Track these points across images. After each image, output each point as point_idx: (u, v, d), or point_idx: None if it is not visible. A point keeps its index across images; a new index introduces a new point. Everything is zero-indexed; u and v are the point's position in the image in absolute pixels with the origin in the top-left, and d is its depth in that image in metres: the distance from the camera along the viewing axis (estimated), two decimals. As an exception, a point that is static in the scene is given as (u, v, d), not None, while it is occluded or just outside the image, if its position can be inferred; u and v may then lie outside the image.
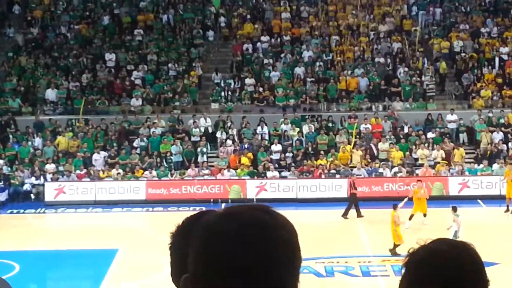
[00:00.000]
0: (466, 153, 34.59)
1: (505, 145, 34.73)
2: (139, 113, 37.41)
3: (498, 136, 35.06)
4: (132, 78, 39.38)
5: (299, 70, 39.36)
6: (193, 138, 35.68)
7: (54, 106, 37.96)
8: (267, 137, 35.87)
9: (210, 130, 36.45)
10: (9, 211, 31.23)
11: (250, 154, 34.29)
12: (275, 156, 34.58)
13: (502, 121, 36.07)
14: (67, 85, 38.93)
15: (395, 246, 22.44)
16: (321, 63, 39.92)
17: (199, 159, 34.57)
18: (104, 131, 36.31)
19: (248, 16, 43.80)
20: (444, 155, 33.80)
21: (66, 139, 35.50)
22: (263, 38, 41.92)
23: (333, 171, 33.32)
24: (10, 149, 35.03)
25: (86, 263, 23.58)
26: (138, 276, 21.30)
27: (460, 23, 42.59)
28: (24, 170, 33.47)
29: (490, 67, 39.48)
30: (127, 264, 22.74)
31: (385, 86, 38.50)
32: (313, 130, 35.72)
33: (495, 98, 37.87)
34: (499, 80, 38.73)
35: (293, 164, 33.82)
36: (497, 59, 39.79)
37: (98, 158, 34.31)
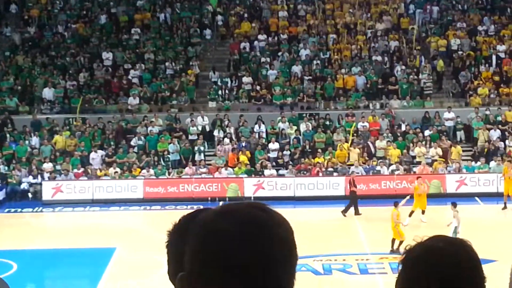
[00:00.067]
0: (463, 151, 34.61)
1: (502, 143, 34.77)
2: (137, 111, 37.40)
3: (495, 133, 35.10)
4: (129, 77, 39.36)
5: (297, 69, 39.36)
6: (190, 137, 35.68)
7: (51, 105, 37.93)
8: (264, 135, 35.88)
9: (207, 129, 36.46)
10: (7, 210, 31.21)
11: (247, 153, 34.30)
12: (273, 155, 34.59)
13: (499, 118, 36.13)
14: (64, 84, 38.90)
15: (400, 243, 22.34)
16: (318, 62, 39.93)
17: (197, 157, 34.58)
18: (102, 130, 36.30)
19: (245, 15, 43.78)
20: (441, 153, 33.83)
21: (63, 138, 35.48)
22: (260, 37, 41.92)
23: (330, 169, 33.34)
24: (7, 148, 35.02)
25: (83, 262, 23.55)
26: (135, 275, 21.30)
27: (457, 21, 42.61)
28: (21, 169, 33.45)
29: (487, 65, 39.51)
30: (125, 262, 22.73)
31: (382, 85, 38.52)
32: (310, 128, 35.72)
33: (492, 96, 37.91)
34: (496, 78, 38.77)
35: (290, 162, 33.85)
36: (494, 57, 39.82)
37: (96, 157, 34.30)
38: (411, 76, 38.55)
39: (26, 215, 30.91)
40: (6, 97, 37.88)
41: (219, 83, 39.11)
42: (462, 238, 2.02)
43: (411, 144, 34.62)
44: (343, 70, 39.27)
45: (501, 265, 19.96)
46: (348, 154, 34.18)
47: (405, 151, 34.28)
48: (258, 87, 38.50)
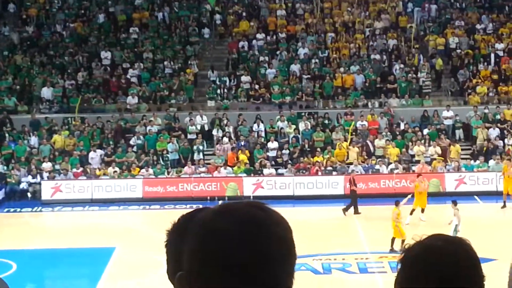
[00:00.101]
0: (462, 150, 34.62)
1: (501, 141, 34.77)
2: (135, 111, 37.38)
3: (494, 132, 35.10)
4: (128, 76, 39.34)
5: (295, 67, 39.35)
6: (189, 136, 35.66)
7: (50, 104, 37.91)
8: (263, 134, 35.87)
9: (206, 128, 36.45)
10: (6, 210, 31.19)
11: (246, 152, 34.28)
12: (272, 154, 34.59)
13: (498, 117, 36.12)
14: (62, 84, 38.87)
15: (402, 242, 22.27)
16: (317, 60, 39.92)
17: (196, 156, 34.57)
18: (100, 129, 36.27)
19: (244, 14, 43.77)
20: (440, 152, 33.83)
21: (62, 137, 35.46)
22: (258, 36, 41.91)
23: (329, 168, 33.35)
24: (6, 147, 34.99)
25: (83, 262, 23.54)
26: (135, 274, 21.30)
27: (456, 20, 42.60)
28: (20, 168, 33.44)
29: (485, 64, 39.51)
30: (124, 262, 22.73)
31: (381, 83, 38.52)
32: (309, 127, 35.72)
33: (491, 94, 37.91)
34: (495, 77, 38.78)
35: (289, 161, 33.85)
36: (492, 55, 39.82)
37: (95, 156, 34.29)
38: (410, 75, 38.54)
39: (25, 215, 30.91)
40: (5, 97, 37.85)
41: (217, 82, 39.10)
42: (461, 237, 2.02)
43: (410, 143, 34.61)
44: (341, 69, 39.26)
45: (500, 264, 19.96)
46: (347, 153, 34.18)
47: (404, 150, 34.28)
48: (256, 86, 38.49)
